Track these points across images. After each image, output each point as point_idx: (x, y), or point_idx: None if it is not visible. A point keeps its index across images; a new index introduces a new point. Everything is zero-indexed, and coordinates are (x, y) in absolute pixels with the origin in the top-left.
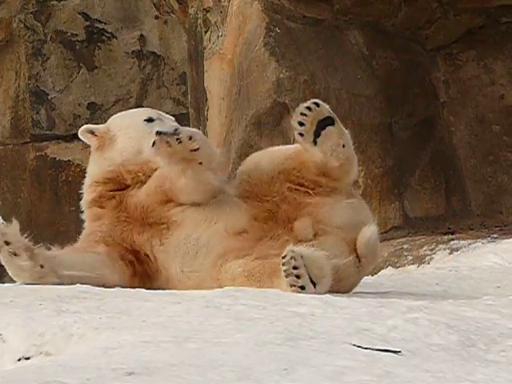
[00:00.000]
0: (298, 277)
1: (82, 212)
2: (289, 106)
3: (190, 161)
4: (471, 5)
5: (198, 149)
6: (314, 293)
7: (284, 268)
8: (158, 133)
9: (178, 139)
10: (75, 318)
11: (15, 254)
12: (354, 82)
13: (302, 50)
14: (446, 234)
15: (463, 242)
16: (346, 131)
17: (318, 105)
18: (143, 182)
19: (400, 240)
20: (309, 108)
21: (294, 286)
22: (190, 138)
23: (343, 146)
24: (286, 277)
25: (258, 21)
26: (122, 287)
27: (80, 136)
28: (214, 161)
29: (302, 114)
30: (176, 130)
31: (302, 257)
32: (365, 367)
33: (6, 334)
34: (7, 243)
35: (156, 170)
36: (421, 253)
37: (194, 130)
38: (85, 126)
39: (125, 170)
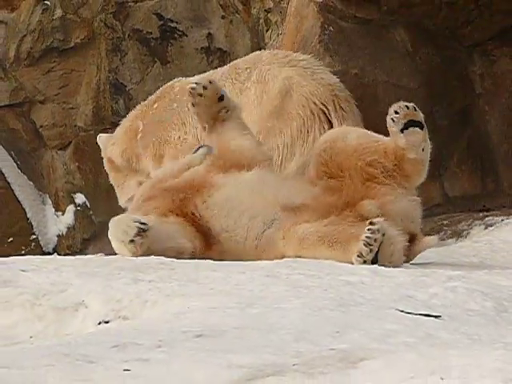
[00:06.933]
0: (371, 251)
1: None
2: None
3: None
4: (504, 7)
5: (222, 96)
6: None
7: (367, 234)
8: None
9: (203, 87)
10: (150, 286)
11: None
12: (400, 75)
13: (353, 47)
14: (481, 211)
15: (497, 218)
16: (429, 142)
17: (415, 109)
18: None
19: (440, 217)
20: (407, 107)
21: (361, 256)
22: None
23: (423, 150)
24: (365, 245)
25: (313, 20)
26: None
27: None
28: (238, 108)
29: (400, 106)
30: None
31: (384, 234)
32: (409, 330)
33: (88, 300)
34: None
35: None
36: (459, 228)
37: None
38: None
39: None
